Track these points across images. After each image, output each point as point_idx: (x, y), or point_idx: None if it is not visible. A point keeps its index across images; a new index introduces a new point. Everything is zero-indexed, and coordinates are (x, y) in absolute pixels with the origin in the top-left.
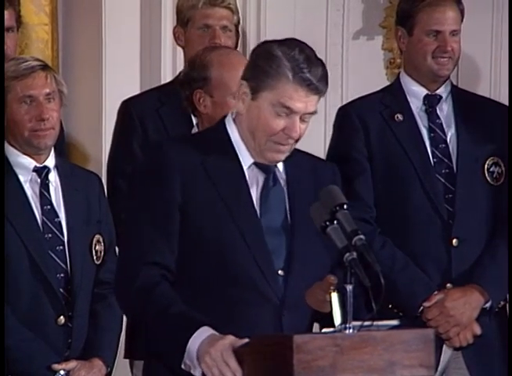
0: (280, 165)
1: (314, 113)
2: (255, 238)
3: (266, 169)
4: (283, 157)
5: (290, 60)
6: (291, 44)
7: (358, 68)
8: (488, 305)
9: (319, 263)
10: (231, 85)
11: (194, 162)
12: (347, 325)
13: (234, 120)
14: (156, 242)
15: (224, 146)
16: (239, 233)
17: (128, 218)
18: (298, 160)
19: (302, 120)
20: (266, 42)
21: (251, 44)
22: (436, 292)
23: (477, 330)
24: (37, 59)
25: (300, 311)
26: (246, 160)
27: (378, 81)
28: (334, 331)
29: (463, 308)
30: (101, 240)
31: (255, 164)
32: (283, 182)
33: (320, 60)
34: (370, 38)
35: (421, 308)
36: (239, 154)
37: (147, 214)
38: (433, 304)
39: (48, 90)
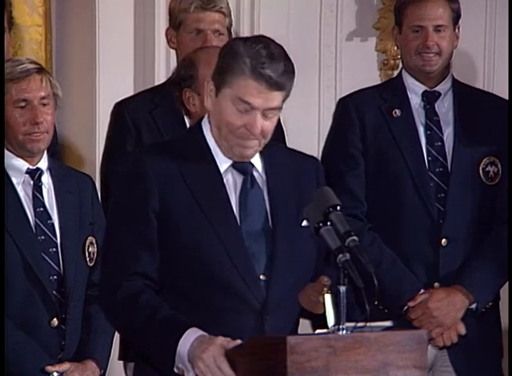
0: (259, 165)
1: (277, 109)
2: (235, 245)
3: (243, 170)
4: (250, 152)
5: (251, 56)
6: (256, 40)
7: (352, 69)
8: (473, 306)
9: (301, 263)
10: None
11: (170, 169)
12: (341, 326)
13: (209, 121)
14: (137, 252)
15: (200, 150)
16: (219, 240)
17: (108, 229)
18: (277, 157)
19: (265, 116)
20: (234, 39)
21: None
22: (422, 291)
23: (462, 330)
24: (33, 62)
25: (283, 314)
26: (223, 162)
27: (371, 82)
28: (328, 332)
29: (446, 309)
30: (94, 241)
31: (232, 166)
32: (261, 182)
33: (286, 56)
34: (364, 40)
35: (406, 307)
36: (215, 157)
37: (126, 223)
38: (417, 304)
39: (43, 94)
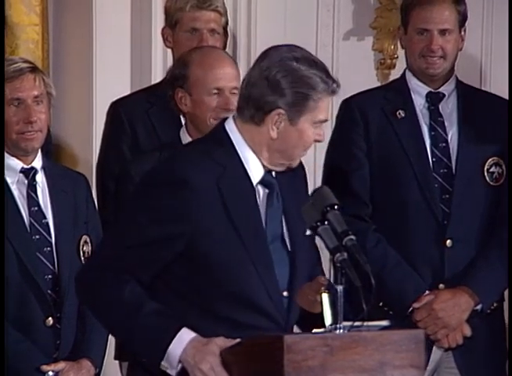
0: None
1: None
2: (265, 265)
3: (269, 185)
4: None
5: (318, 75)
6: (304, 59)
7: (349, 69)
8: (478, 307)
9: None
10: (208, 83)
11: (209, 182)
12: (338, 325)
13: (236, 125)
14: (137, 253)
15: (233, 162)
16: (250, 260)
17: (120, 223)
18: None
19: None
20: (281, 61)
21: (242, 45)
22: (427, 293)
23: (467, 331)
24: (26, 61)
25: None
26: (254, 176)
27: (368, 82)
28: (325, 332)
29: (452, 310)
30: (88, 240)
31: (261, 179)
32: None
33: (316, 58)
34: (361, 39)
35: (411, 308)
36: (248, 170)
37: (146, 221)
38: (422, 305)
39: (36, 93)
